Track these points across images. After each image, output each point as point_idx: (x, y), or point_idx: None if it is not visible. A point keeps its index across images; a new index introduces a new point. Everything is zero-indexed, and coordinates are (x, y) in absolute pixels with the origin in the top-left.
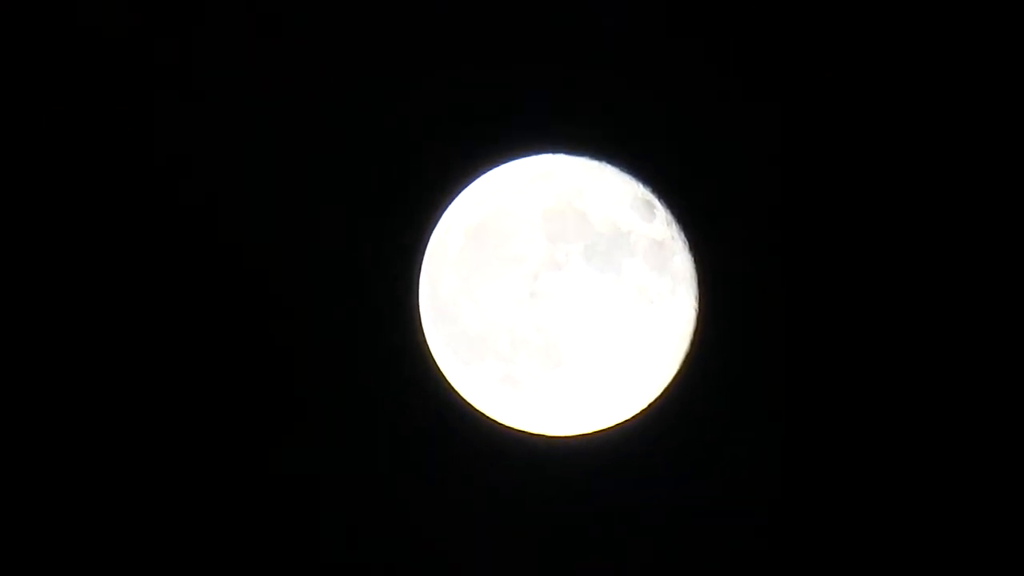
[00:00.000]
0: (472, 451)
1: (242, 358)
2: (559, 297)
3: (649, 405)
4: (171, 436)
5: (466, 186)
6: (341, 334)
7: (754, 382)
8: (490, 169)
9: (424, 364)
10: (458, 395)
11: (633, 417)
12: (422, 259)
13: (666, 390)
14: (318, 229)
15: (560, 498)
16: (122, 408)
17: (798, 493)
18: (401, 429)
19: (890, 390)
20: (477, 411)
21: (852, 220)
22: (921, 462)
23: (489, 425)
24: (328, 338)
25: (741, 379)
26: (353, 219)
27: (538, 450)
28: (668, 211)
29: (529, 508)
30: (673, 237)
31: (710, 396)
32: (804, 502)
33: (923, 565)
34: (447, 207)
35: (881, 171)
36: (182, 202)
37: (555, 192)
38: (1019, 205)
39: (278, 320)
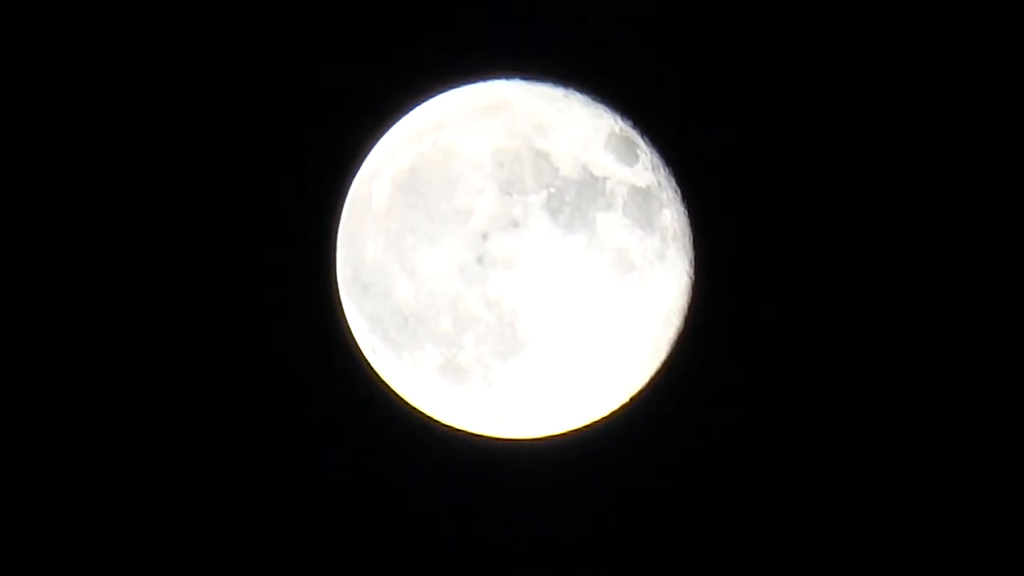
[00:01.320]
0: (406, 459)
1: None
2: (516, 263)
3: (630, 401)
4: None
5: (395, 121)
6: (238, 312)
7: (762, 372)
8: (426, 99)
9: (343, 351)
10: (388, 389)
11: (608, 417)
12: (339, 215)
13: (652, 382)
14: (203, 176)
15: (515, 516)
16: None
17: (816, 511)
18: (316, 431)
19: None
20: (412, 409)
21: (877, 155)
22: (939, 453)
23: (427, 426)
24: (222, 318)
25: (746, 369)
26: (248, 162)
27: (490, 457)
28: (654, 151)
29: (478, 528)
30: (660, 184)
31: (707, 391)
32: (824, 518)
33: (918, 559)
34: (371, 148)
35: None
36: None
37: (509, 128)
38: None
39: (158, 287)
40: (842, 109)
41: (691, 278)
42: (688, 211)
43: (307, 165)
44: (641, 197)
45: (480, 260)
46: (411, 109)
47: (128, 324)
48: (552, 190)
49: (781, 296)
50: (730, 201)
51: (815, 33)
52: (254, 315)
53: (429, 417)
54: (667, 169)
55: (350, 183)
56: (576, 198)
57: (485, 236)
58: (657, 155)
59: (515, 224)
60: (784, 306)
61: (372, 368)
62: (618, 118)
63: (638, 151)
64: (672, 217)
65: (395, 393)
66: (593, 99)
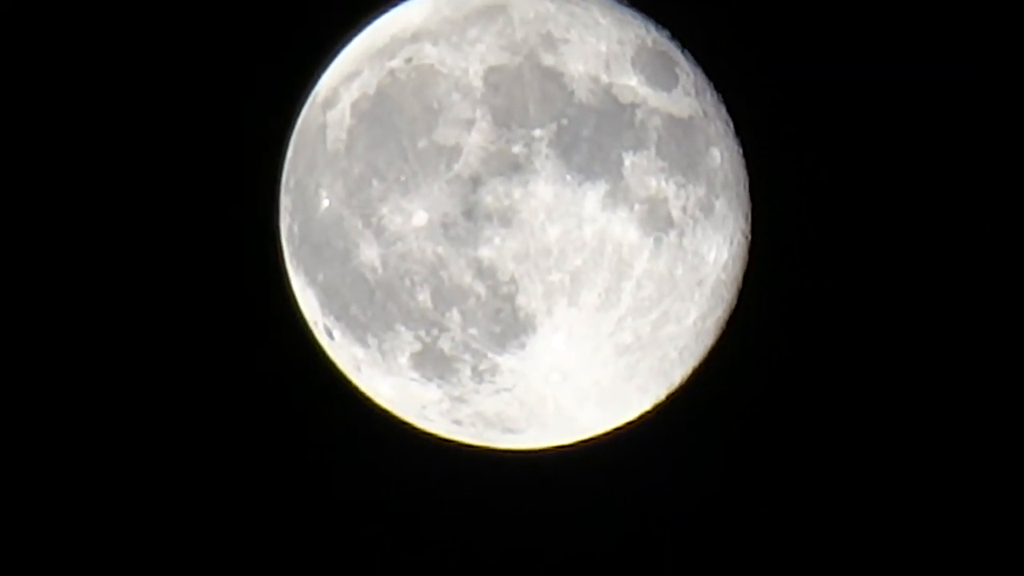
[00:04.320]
0: (374, 477)
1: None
2: (515, 219)
3: (666, 401)
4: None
5: (356, 30)
6: (166, 281)
7: (838, 363)
8: (399, 2)
9: (287, 333)
10: (347, 384)
11: (636, 423)
12: (283, 155)
13: (694, 376)
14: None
15: (510, 543)
16: None
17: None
18: (257, 437)
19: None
20: (379, 411)
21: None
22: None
23: (400, 434)
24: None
25: (818, 359)
26: (170, 79)
27: (482, 476)
28: (698, 70)
29: (460, 553)
30: (707, 114)
31: (766, 388)
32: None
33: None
34: (324, 65)
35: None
36: None
37: (507, 39)
38: None
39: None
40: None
41: (747, 238)
42: (744, 149)
43: (238, 85)
44: (681, 131)
45: (469, 214)
46: (377, 15)
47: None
48: (564, 122)
49: (865, 263)
50: (799, 136)
51: None
52: (174, 286)
53: (402, 422)
54: (716, 94)
55: (297, 112)
56: (595, 132)
57: (476, 182)
58: (702, 75)
59: (515, 167)
60: (869, 277)
61: (326, 357)
62: (651, 26)
63: (677, 70)
64: (722, 157)
65: (357, 390)
66: (618, 2)
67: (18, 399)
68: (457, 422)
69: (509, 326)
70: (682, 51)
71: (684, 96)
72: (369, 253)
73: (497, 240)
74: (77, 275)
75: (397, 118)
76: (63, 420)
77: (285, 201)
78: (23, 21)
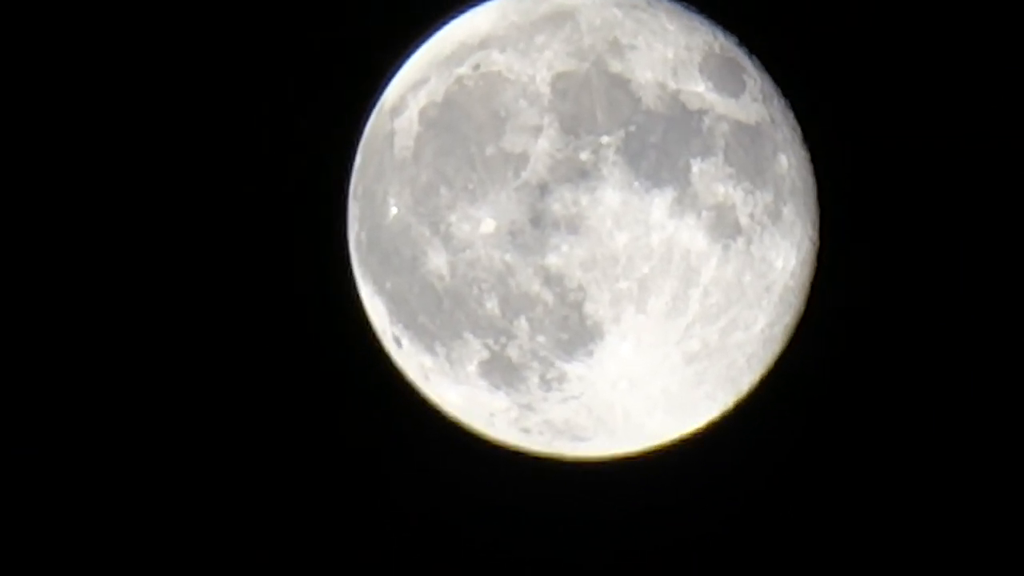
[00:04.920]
0: (441, 486)
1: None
2: (583, 226)
3: (734, 409)
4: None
5: (424, 38)
6: (234, 290)
7: (912, 372)
8: (464, 9)
9: (356, 342)
10: (415, 394)
11: (704, 431)
12: (350, 162)
13: (762, 384)
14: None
15: (578, 553)
16: None
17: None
18: (323, 449)
19: None
20: (447, 420)
21: None
22: None
23: (468, 443)
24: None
25: (890, 368)
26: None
27: (550, 484)
28: (766, 76)
29: (529, 563)
30: (774, 120)
31: (836, 397)
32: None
33: None
34: (392, 72)
35: None
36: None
37: (575, 45)
38: None
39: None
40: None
41: (815, 244)
42: (811, 155)
43: (307, 92)
44: (749, 137)
45: (536, 221)
46: (444, 22)
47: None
48: (631, 128)
49: (936, 271)
50: (869, 142)
51: None
52: (243, 294)
53: (470, 431)
54: (783, 100)
55: (365, 119)
56: (663, 139)
57: (543, 190)
58: (770, 81)
59: (582, 174)
60: (940, 284)
61: (394, 365)
62: (719, 32)
63: (745, 76)
64: (790, 163)
65: (425, 399)
66: (686, 8)
67: (83, 413)
68: (525, 430)
69: (577, 334)
70: (749, 57)
71: (752, 102)
72: (437, 261)
73: (565, 247)
74: (147, 285)
75: (465, 125)
76: (126, 431)
77: (353, 209)
78: (90, 33)
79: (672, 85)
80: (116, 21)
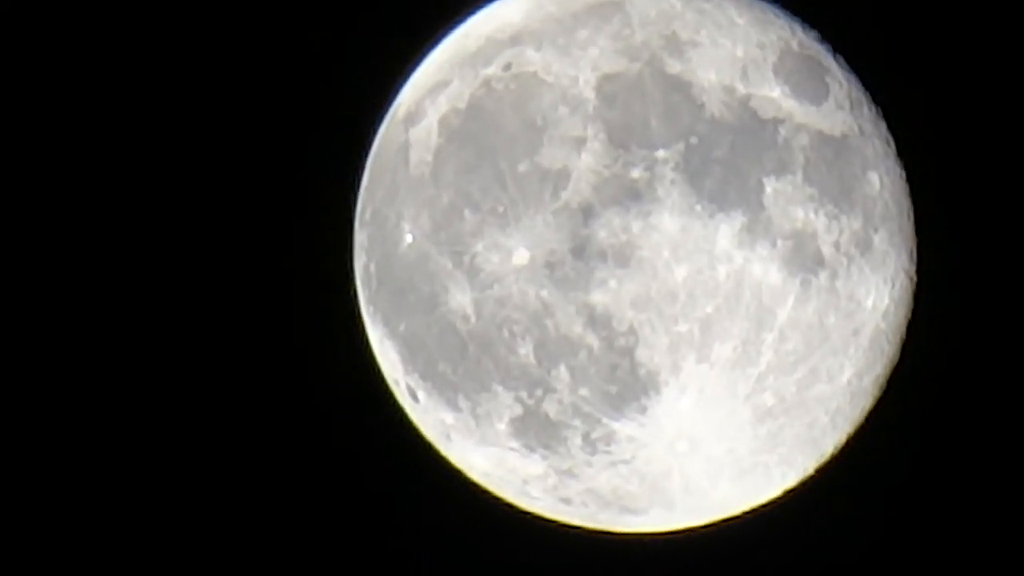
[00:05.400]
0: (468, 565)
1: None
2: (634, 257)
3: (815, 475)
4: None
5: (444, 32)
6: (223, 333)
7: (1014, 421)
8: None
9: (364, 394)
10: (435, 456)
11: (781, 500)
12: (358, 178)
13: (849, 444)
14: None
15: None
16: None
17: None
18: (331, 513)
19: None
20: (473, 488)
21: None
22: None
23: (498, 514)
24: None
25: (992, 420)
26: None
27: (596, 562)
28: (854, 79)
29: None
30: (863, 131)
31: (938, 457)
32: None
33: None
34: (407, 74)
35: None
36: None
37: (625, 42)
38: None
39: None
40: None
41: (912, 280)
42: (908, 174)
43: (305, 98)
44: (833, 152)
45: (579, 252)
46: (469, 13)
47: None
48: (692, 141)
49: None
50: (976, 158)
51: None
52: (235, 336)
53: (500, 500)
54: (874, 108)
55: (374, 129)
56: (730, 154)
57: (587, 213)
58: (858, 85)
59: (634, 195)
60: None
61: (409, 422)
62: (797, 26)
63: (828, 79)
64: (882, 183)
65: (446, 462)
66: None
67: (91, 438)
68: (565, 500)
69: (627, 385)
70: (834, 56)
71: (836, 110)
72: (460, 299)
73: (612, 283)
74: (139, 324)
75: (493, 137)
76: (141, 473)
77: (360, 236)
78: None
79: (741, 89)
80: (114, 25)
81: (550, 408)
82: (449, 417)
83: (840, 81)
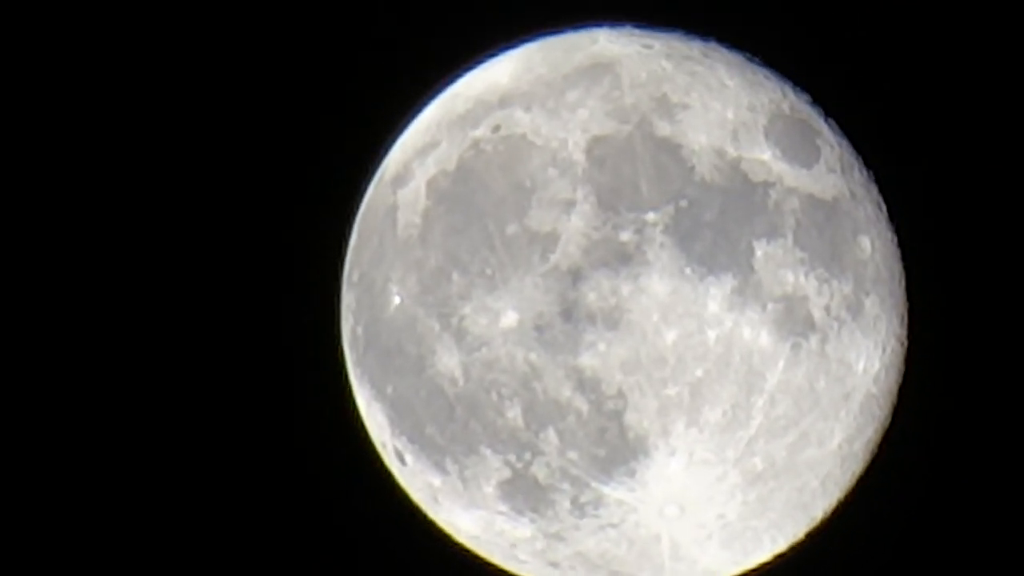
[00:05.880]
0: None
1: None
2: (623, 321)
3: (805, 540)
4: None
5: (433, 93)
6: (206, 395)
7: (1009, 489)
8: (482, 58)
9: (352, 457)
10: (422, 519)
11: (769, 566)
12: (345, 241)
13: (839, 510)
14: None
15: None
16: None
17: None
18: (329, 570)
19: None
20: (461, 552)
21: None
22: None
23: (485, 575)
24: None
25: (978, 484)
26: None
27: None
28: (845, 142)
29: None
30: (854, 195)
31: (920, 518)
32: None
33: None
34: (395, 135)
35: None
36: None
37: (615, 104)
38: None
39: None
40: None
41: (903, 344)
42: (899, 238)
43: (290, 158)
44: (824, 215)
45: (568, 315)
46: (458, 75)
47: None
48: (682, 204)
49: None
50: (969, 223)
51: None
52: (218, 399)
53: (488, 564)
54: (865, 171)
55: (362, 191)
56: (720, 217)
57: (576, 276)
58: (850, 148)
59: (623, 258)
60: None
61: (397, 485)
62: (788, 89)
63: (819, 142)
64: (873, 247)
65: (433, 526)
66: (749, 59)
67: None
68: (553, 564)
69: (616, 449)
70: (825, 119)
71: (827, 173)
72: (448, 361)
73: (602, 346)
74: (122, 381)
75: (482, 199)
76: (139, 517)
77: (348, 299)
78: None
79: (732, 152)
80: (101, 75)
81: (538, 471)
82: (437, 480)
83: (831, 144)
